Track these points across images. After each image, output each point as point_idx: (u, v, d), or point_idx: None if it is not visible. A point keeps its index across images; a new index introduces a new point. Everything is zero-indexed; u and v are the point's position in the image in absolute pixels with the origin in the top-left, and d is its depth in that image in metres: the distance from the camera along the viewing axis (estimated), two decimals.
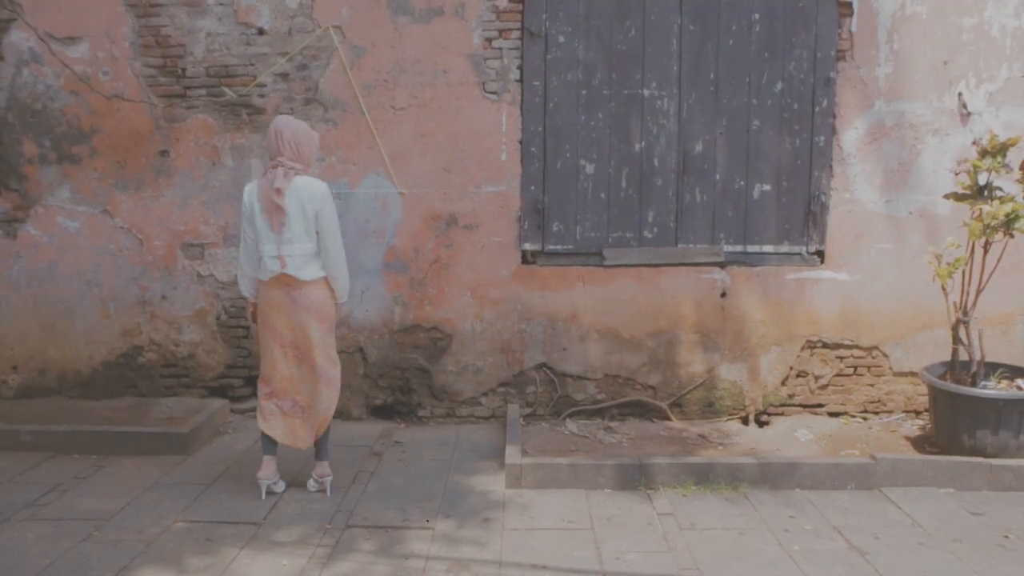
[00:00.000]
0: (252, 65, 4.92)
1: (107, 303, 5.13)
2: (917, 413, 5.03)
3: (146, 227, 5.07)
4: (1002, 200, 4.16)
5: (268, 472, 3.98)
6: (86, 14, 4.91)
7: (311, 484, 4.05)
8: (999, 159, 4.20)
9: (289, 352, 3.90)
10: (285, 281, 3.78)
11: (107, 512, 3.82)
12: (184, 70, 4.94)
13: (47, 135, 5.02)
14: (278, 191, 3.69)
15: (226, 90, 4.92)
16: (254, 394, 5.19)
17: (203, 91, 4.95)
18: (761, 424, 5.03)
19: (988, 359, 4.41)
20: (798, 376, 5.07)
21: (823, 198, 4.94)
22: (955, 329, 4.41)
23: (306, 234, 3.75)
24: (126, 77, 4.96)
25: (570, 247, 5.02)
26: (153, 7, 4.89)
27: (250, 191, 3.80)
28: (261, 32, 4.90)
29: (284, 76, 4.92)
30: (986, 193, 4.27)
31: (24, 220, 5.10)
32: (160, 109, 4.97)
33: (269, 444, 3.99)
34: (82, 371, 5.19)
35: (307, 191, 3.74)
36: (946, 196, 4.48)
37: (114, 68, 4.96)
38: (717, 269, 4.98)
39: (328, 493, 4.00)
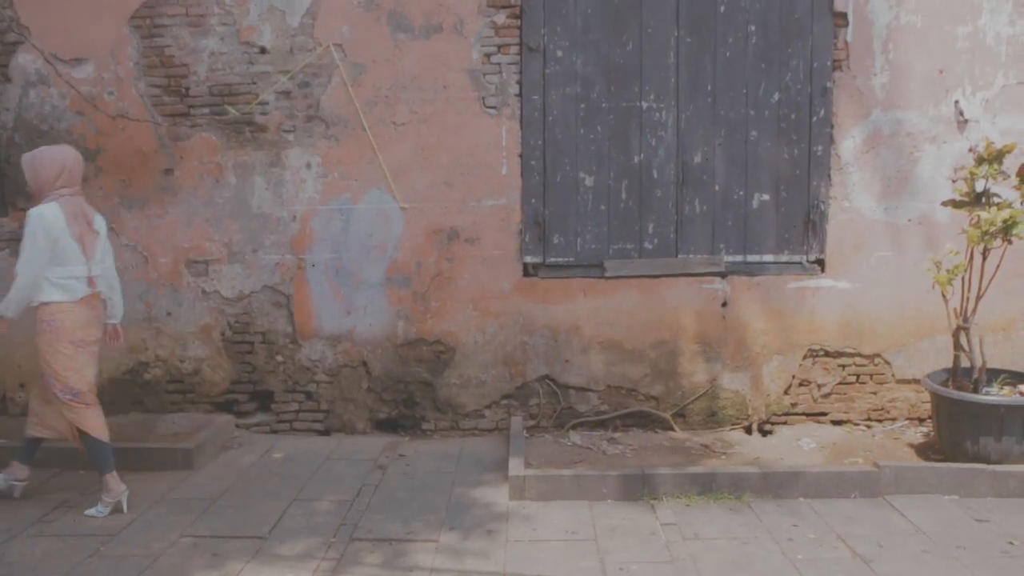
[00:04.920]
0: (254, 83, 4.99)
1: None
2: (920, 420, 5.03)
3: (151, 244, 5.12)
4: (999, 206, 4.18)
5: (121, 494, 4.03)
6: (91, 36, 4.98)
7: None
8: (996, 166, 4.22)
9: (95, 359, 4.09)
10: (93, 301, 4.01)
11: (114, 527, 3.85)
12: (188, 89, 5.01)
13: None
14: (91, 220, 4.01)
15: (229, 108, 4.98)
16: (260, 409, 5.23)
17: (206, 110, 5.01)
18: (764, 433, 5.03)
19: (990, 365, 4.42)
20: (801, 385, 5.08)
21: (822, 207, 4.97)
22: (956, 336, 4.42)
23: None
24: (131, 97, 5.03)
25: (571, 259, 5.05)
26: (157, 28, 4.97)
27: (57, 215, 3.89)
28: (263, 51, 4.96)
29: (286, 94, 4.99)
30: (984, 200, 4.29)
31: None
32: (164, 128, 5.04)
33: (112, 454, 4.06)
34: None
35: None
36: (944, 203, 4.50)
37: (119, 88, 5.03)
38: (718, 279, 5.00)
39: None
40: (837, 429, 5.01)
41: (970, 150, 4.38)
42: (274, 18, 4.93)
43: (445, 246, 5.05)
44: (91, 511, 3.98)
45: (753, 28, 4.88)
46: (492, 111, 4.95)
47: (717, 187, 4.99)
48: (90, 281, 3.96)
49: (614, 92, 4.94)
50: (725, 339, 5.03)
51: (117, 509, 4.00)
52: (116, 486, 4.00)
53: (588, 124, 4.96)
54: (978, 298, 4.36)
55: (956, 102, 4.88)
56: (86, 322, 3.95)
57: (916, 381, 4.98)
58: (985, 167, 4.24)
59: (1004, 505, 4.01)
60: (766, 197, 4.99)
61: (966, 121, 4.88)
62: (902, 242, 4.97)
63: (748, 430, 5.06)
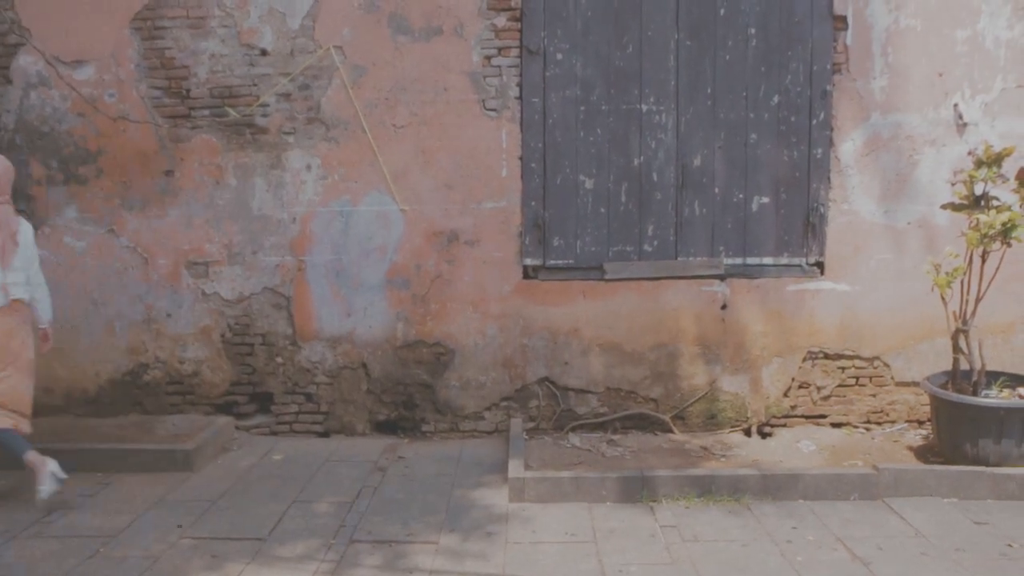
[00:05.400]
0: (255, 85, 4.99)
1: (113, 321, 5.18)
2: (920, 423, 5.03)
3: (151, 246, 5.13)
4: (999, 209, 4.18)
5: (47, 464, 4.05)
6: (92, 38, 4.99)
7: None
8: (995, 169, 4.23)
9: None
10: (16, 306, 4.09)
11: (113, 529, 3.85)
12: (188, 91, 5.02)
13: (54, 156, 5.09)
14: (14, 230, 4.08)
15: (229, 110, 4.99)
16: (259, 411, 5.23)
17: (207, 111, 5.02)
18: (764, 436, 5.03)
19: (989, 368, 4.42)
20: (800, 387, 5.08)
21: (822, 209, 4.98)
22: (955, 338, 4.42)
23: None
24: (132, 99, 5.04)
25: (571, 262, 5.06)
26: (158, 30, 4.98)
27: None
28: (264, 53, 4.97)
29: (286, 96, 5.00)
30: (983, 203, 4.29)
31: None
32: (165, 129, 5.04)
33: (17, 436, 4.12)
34: (88, 389, 5.23)
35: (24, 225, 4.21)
36: (943, 206, 4.51)
37: (120, 90, 5.03)
38: (717, 281, 5.01)
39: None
40: (836, 431, 5.01)
41: (969, 153, 4.39)
42: (275, 20, 4.94)
43: (445, 248, 5.05)
44: (42, 492, 3.97)
45: (753, 31, 4.89)
46: (492, 113, 4.96)
47: (717, 190, 4.99)
48: (3, 288, 4.01)
49: (614, 95, 4.95)
50: (724, 341, 5.04)
51: (55, 477, 3.99)
52: (38, 459, 4.02)
53: (588, 127, 4.97)
54: (977, 301, 4.36)
55: (955, 105, 4.89)
56: (5, 330, 4.03)
57: (915, 384, 4.98)
58: (984, 170, 4.25)
59: (1003, 507, 4.01)
60: (766, 200, 4.99)
61: (965, 124, 4.89)
62: (901, 245, 4.98)
63: (747, 432, 5.06)
